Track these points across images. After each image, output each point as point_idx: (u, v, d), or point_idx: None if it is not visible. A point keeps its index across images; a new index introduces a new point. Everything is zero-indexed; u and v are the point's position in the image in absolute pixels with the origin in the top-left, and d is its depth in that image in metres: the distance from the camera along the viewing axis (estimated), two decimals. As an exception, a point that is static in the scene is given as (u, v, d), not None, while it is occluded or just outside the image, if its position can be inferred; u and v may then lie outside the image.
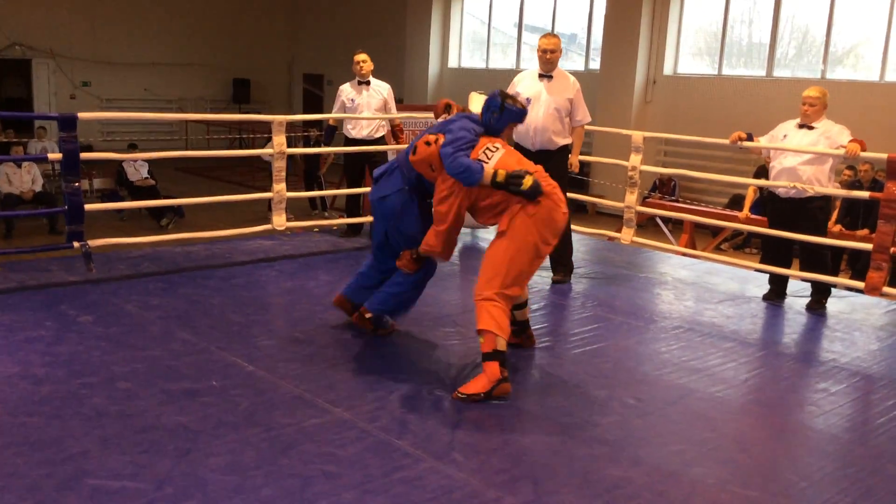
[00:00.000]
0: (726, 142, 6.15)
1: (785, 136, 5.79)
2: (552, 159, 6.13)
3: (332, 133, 7.24)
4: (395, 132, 7.30)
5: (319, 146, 9.73)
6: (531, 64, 16.92)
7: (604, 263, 6.79)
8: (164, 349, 4.22)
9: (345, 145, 7.10)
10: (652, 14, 14.09)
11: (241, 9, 20.96)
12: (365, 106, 7.02)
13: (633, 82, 14.21)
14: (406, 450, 3.26)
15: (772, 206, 5.94)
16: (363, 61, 7.03)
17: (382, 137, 7.19)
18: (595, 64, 15.19)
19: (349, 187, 7.35)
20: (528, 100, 6.05)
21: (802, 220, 5.67)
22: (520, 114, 4.19)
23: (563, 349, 4.63)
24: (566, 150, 6.11)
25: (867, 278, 5.57)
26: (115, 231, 7.77)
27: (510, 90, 6.21)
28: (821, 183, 5.61)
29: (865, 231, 8.58)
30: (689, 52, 14.43)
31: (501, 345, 3.86)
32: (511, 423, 3.63)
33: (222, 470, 3.03)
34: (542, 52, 6.03)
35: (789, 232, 5.72)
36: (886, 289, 5.66)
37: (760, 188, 9.04)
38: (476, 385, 3.84)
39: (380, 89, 7.14)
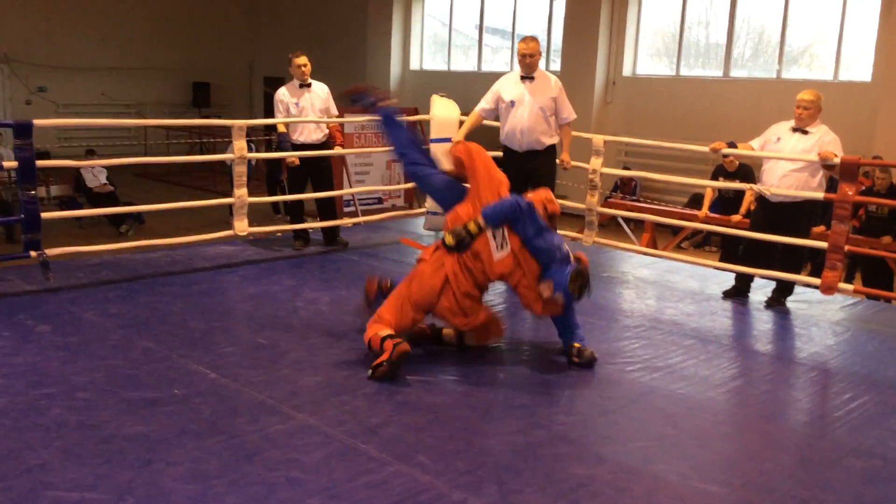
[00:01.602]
0: (686, 146, 6.23)
1: (778, 138, 5.72)
2: (540, 161, 6.20)
3: (287, 139, 6.96)
4: (333, 135, 7.01)
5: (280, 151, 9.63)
6: (492, 65, 17.00)
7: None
8: (124, 358, 4.16)
9: (291, 150, 6.79)
10: (611, 15, 14.25)
11: (200, 11, 20.74)
12: (309, 109, 6.79)
13: (594, 83, 14.35)
14: (371, 454, 3.26)
15: (761, 208, 5.93)
16: (305, 65, 6.75)
17: (328, 142, 6.96)
18: (555, 65, 15.30)
19: (292, 191, 7.06)
20: (512, 102, 6.09)
21: (789, 224, 5.65)
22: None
23: (526, 349, 4.65)
24: (553, 149, 6.22)
25: (823, 278, 5.68)
26: (74, 239, 7.66)
27: (493, 94, 6.29)
28: (810, 189, 5.60)
29: (822, 228, 8.76)
30: (648, 53, 14.61)
31: (381, 333, 4.12)
32: (476, 425, 3.65)
33: (185, 479, 3.00)
34: (522, 57, 6.13)
35: (776, 234, 5.67)
36: (842, 285, 5.79)
37: (720, 188, 9.16)
38: (377, 362, 4.02)
39: (320, 91, 6.90)
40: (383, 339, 4.09)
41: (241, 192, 6.30)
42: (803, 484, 3.20)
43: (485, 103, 6.36)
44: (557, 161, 6.42)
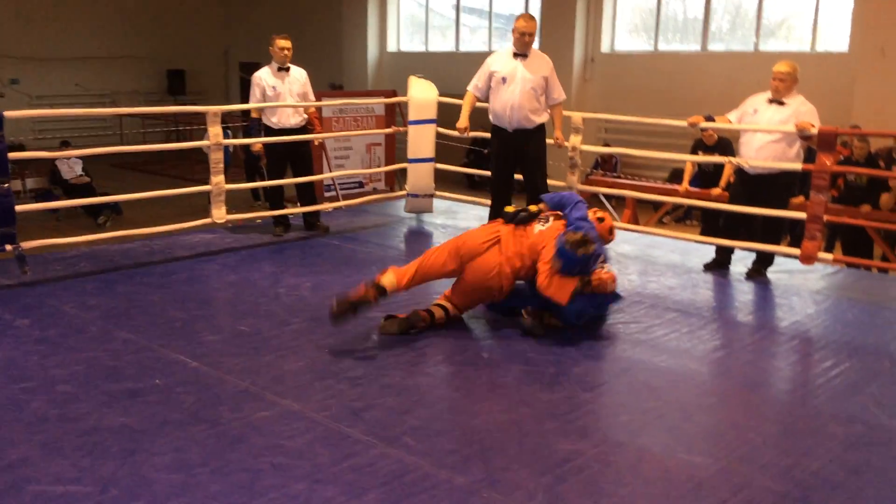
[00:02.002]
0: (664, 122, 6.21)
1: (755, 110, 5.73)
2: (532, 139, 6.13)
3: (258, 125, 6.75)
4: (311, 122, 6.91)
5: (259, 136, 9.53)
6: (470, 45, 16.91)
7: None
8: (104, 350, 4.12)
9: (266, 136, 6.68)
10: (588, -9, 14.19)
11: (173, -2, 20.49)
12: (287, 93, 6.67)
13: (572, 61, 14.30)
14: (356, 437, 3.25)
15: (739, 181, 5.96)
16: (287, 48, 6.63)
17: (306, 126, 6.87)
18: (534, 44, 15.22)
19: (271, 177, 6.98)
20: (504, 79, 6.01)
21: (767, 196, 5.68)
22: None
23: (510, 328, 4.65)
24: (543, 128, 6.14)
25: (802, 248, 5.71)
26: (51, 232, 7.57)
27: (485, 71, 6.17)
28: (788, 160, 5.63)
29: (801, 198, 8.81)
30: (626, 29, 14.57)
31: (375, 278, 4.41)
32: (461, 404, 3.65)
33: (168, 469, 2.98)
34: (521, 35, 6.00)
35: (755, 206, 5.70)
36: (822, 255, 5.82)
37: (699, 162, 9.17)
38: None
39: (299, 75, 6.78)
40: (369, 283, 4.34)
41: (217, 180, 6.23)
42: (786, 452, 3.23)
43: (477, 81, 6.23)
44: (551, 140, 6.36)
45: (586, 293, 4.38)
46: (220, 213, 6.25)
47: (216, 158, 6.25)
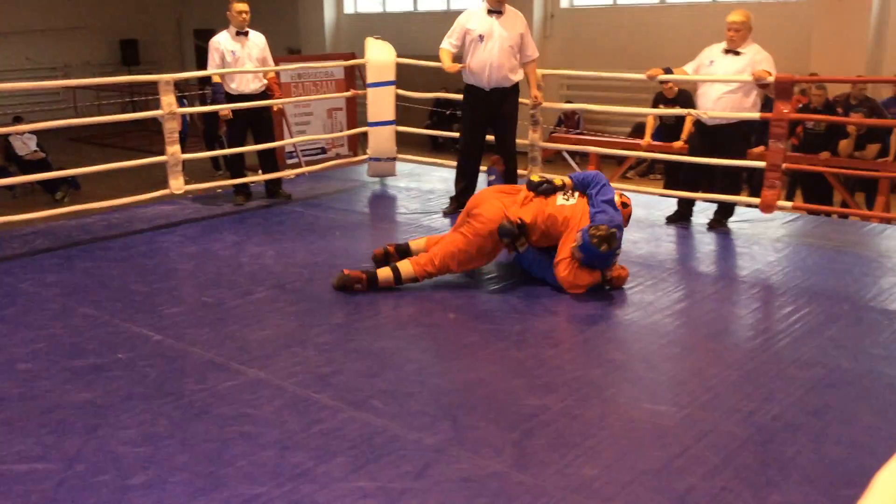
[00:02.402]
0: (624, 75, 6.18)
1: (711, 61, 5.73)
2: (507, 99, 6.04)
3: (221, 90, 6.64)
4: (271, 87, 6.78)
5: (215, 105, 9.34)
6: (429, 4, 16.70)
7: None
8: (64, 326, 4.06)
9: (227, 102, 6.57)
10: (546, -53, 14.06)
11: (122, -34, 19.94)
12: (247, 58, 6.55)
13: (532, 17, 14.19)
14: (324, 403, 3.25)
15: (699, 132, 5.99)
16: (246, 11, 6.49)
17: (266, 92, 6.75)
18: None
19: (232, 145, 6.87)
20: (481, 37, 5.89)
21: (725, 146, 5.71)
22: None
23: (475, 286, 4.65)
24: (518, 87, 6.06)
25: (762, 197, 5.76)
26: (8, 209, 7.38)
27: (459, 29, 6.00)
28: (745, 110, 5.64)
29: (761, 148, 8.89)
30: (584, -16, 14.48)
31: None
32: (429, 366, 3.65)
33: (135, 442, 2.95)
34: None
35: (713, 157, 5.73)
36: (781, 203, 5.89)
37: (661, 115, 9.20)
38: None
39: (258, 40, 6.66)
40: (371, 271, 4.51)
41: (173, 150, 6.11)
42: (749, 397, 3.28)
43: (451, 39, 6.04)
44: (528, 100, 6.31)
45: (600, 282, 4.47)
46: (177, 184, 6.15)
47: (171, 128, 6.13)
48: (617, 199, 4.68)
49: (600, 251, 4.27)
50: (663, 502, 2.58)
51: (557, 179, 4.72)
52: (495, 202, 4.56)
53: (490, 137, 6.27)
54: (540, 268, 4.62)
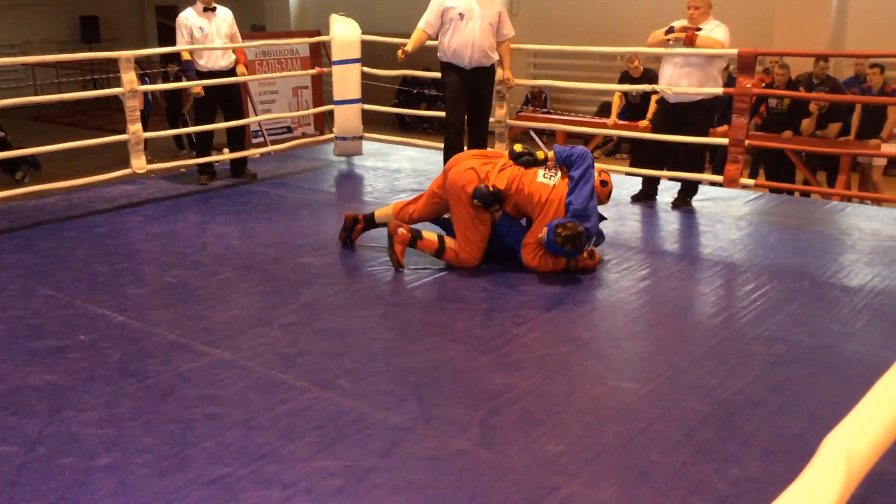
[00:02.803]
0: (593, 49, 6.18)
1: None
2: (487, 78, 5.99)
3: (192, 67, 6.57)
4: (240, 62, 6.71)
5: (180, 82, 9.20)
6: (394, -18, 16.53)
7: (479, 179, 6.82)
8: (25, 308, 4.00)
9: (197, 79, 6.51)
10: (512, -77, 13.96)
11: (81, -60, 19.45)
12: (215, 34, 6.47)
13: (498, -4, 14.11)
14: (290, 383, 3.24)
15: (662, 110, 6.02)
16: None
17: (235, 68, 6.68)
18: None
19: (201, 123, 6.76)
20: (461, 15, 5.80)
21: (689, 123, 5.76)
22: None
23: (441, 265, 4.65)
24: (494, 67, 6.02)
25: (725, 171, 5.83)
26: (-36, 190, 7.23)
27: (437, 8, 5.88)
28: (707, 86, 5.68)
29: (725, 127, 8.98)
30: (551, -38, 14.40)
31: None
32: (394, 345, 3.66)
33: (97, 424, 2.92)
34: None
35: (676, 134, 5.79)
36: (744, 180, 5.96)
37: (626, 94, 9.24)
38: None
39: (225, 16, 6.58)
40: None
41: (134, 128, 6.01)
42: (711, 373, 3.33)
43: (429, 18, 5.93)
44: (499, 78, 6.27)
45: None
46: (140, 164, 6.05)
47: (132, 106, 6.02)
48: (597, 176, 4.59)
49: (563, 250, 4.28)
50: (626, 477, 2.62)
51: (541, 153, 4.60)
52: (469, 166, 4.49)
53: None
54: (513, 237, 4.58)
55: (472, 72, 5.89)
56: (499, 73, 6.29)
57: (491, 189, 4.38)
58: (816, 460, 0.80)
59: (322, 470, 2.64)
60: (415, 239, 4.51)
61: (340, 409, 3.03)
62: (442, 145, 6.28)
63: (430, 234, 4.57)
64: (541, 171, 4.52)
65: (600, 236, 4.72)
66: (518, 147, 4.65)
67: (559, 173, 4.51)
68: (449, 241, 4.57)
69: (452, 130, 6.09)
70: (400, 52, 5.87)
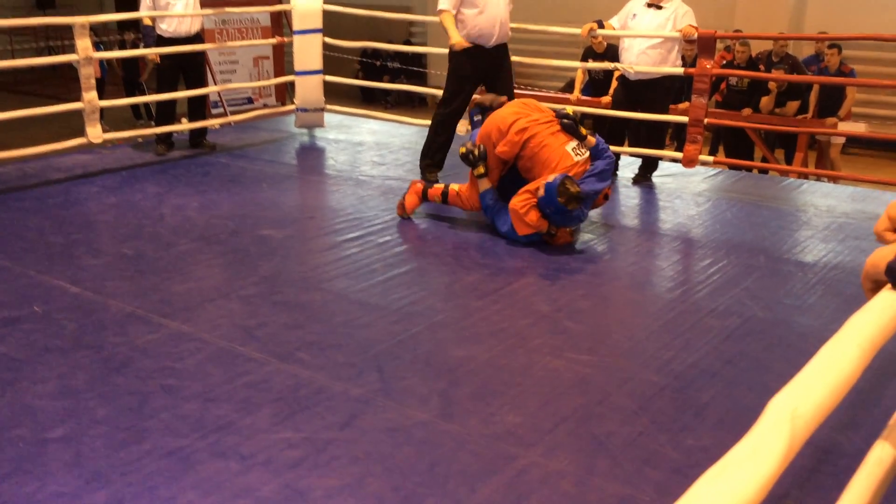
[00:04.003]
0: (556, 29, 6.17)
1: (634, 15, 5.76)
2: (507, 53, 5.78)
3: (152, 33, 6.45)
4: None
5: (138, 49, 9.00)
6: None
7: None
8: (-24, 279, 3.91)
9: (157, 45, 6.39)
10: None
11: None
12: (179, 0, 6.36)
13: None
14: (249, 355, 3.22)
15: (623, 87, 6.04)
16: None
17: (199, 35, 6.59)
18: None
19: (162, 92, 6.61)
20: None
21: (649, 101, 5.79)
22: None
23: (403, 239, 4.65)
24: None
25: (684, 151, 5.89)
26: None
27: None
28: (668, 65, 5.72)
29: (687, 104, 9.06)
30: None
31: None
32: (354, 318, 3.64)
33: (52, 396, 2.88)
34: None
35: (637, 111, 5.83)
36: (703, 157, 6.02)
37: (589, 70, 9.25)
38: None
39: None
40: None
41: (90, 96, 5.87)
42: (667, 346, 3.38)
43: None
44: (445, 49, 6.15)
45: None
46: (95, 132, 5.93)
47: (87, 74, 5.88)
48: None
49: (558, 203, 4.25)
50: (583, 447, 2.65)
51: (585, 130, 4.62)
52: (512, 111, 4.68)
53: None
54: (494, 213, 4.64)
55: (494, 49, 5.60)
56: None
57: (476, 149, 4.60)
58: (762, 421, 0.83)
59: (281, 441, 2.63)
60: (426, 190, 4.95)
61: (300, 382, 3.02)
62: (413, 120, 6.14)
63: (438, 185, 5.03)
64: (573, 143, 4.54)
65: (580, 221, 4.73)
66: (570, 110, 4.67)
67: (587, 156, 4.54)
68: (454, 186, 4.90)
69: (449, 114, 5.77)
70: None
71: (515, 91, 5.93)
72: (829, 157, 8.95)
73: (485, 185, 4.67)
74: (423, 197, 4.95)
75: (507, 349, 3.33)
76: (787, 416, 0.83)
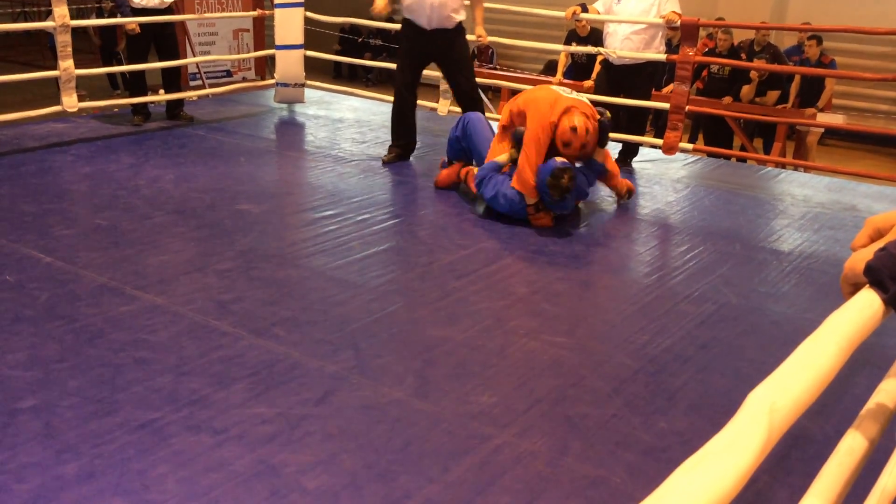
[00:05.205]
0: (539, 11, 6.15)
1: (618, 1, 5.76)
2: (455, 44, 5.57)
3: (125, 2, 6.37)
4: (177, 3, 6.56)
5: (115, 18, 8.85)
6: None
7: (423, 133, 6.76)
8: (-55, 246, 3.85)
9: (132, 16, 6.27)
10: None
11: None
12: None
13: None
14: (224, 329, 3.20)
15: (606, 71, 6.05)
16: None
17: (172, 7, 6.49)
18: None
19: (133, 63, 6.50)
20: None
21: (631, 86, 5.80)
22: None
23: (383, 218, 4.63)
24: (462, 28, 5.59)
25: (664, 138, 5.90)
26: None
27: None
28: (652, 51, 5.73)
29: (670, 87, 9.07)
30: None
31: None
32: (331, 295, 3.63)
33: (23, 366, 2.85)
34: None
35: (619, 97, 5.83)
36: (683, 144, 6.04)
37: (572, 54, 9.23)
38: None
39: None
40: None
41: (66, 65, 5.77)
42: (642, 330, 3.40)
43: None
44: (473, 37, 5.96)
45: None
46: (70, 101, 5.83)
47: (63, 41, 5.78)
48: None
49: (550, 195, 4.36)
50: (556, 428, 2.67)
51: (607, 118, 4.74)
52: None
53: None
54: (485, 184, 4.68)
55: (433, 34, 5.46)
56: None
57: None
58: (740, 413, 0.83)
59: (255, 416, 2.62)
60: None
61: (275, 357, 3.01)
62: (390, 98, 6.10)
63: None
64: (581, 117, 4.54)
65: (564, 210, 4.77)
66: (608, 114, 4.84)
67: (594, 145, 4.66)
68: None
69: (401, 91, 5.72)
70: (374, 8, 5.46)
71: (496, 73, 5.89)
72: (807, 148, 9.01)
73: (503, 159, 4.72)
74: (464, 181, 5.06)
75: (483, 330, 3.33)
76: (766, 410, 0.84)
